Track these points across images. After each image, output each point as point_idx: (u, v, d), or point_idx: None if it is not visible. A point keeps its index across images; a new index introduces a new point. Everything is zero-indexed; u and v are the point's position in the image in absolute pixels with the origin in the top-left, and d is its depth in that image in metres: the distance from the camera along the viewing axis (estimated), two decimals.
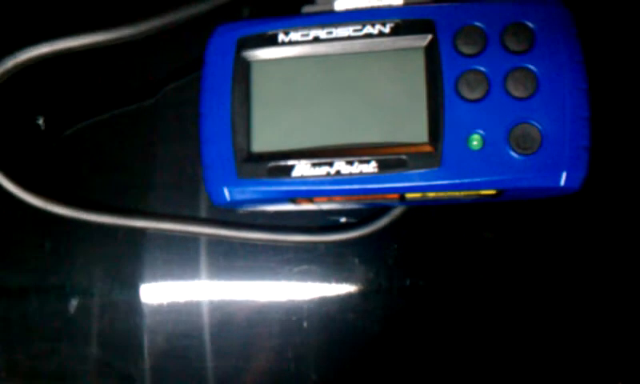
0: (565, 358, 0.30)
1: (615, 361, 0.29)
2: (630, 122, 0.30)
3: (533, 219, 0.30)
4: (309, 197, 0.26)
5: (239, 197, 0.26)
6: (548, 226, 0.30)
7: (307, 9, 0.27)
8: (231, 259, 0.32)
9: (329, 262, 0.31)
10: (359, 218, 0.30)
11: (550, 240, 0.30)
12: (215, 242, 0.32)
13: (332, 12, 0.27)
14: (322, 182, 0.25)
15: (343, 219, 0.31)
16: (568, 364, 0.30)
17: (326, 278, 0.31)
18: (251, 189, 0.26)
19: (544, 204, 0.27)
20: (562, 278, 0.30)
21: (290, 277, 0.31)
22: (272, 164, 0.26)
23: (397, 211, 0.30)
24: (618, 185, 0.30)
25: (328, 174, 0.25)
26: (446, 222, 0.31)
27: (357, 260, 0.31)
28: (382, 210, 0.30)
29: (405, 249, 0.31)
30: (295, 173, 0.26)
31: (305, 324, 0.31)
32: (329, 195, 0.26)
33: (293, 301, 0.31)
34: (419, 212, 0.30)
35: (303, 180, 0.26)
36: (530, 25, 0.25)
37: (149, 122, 0.33)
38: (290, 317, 0.31)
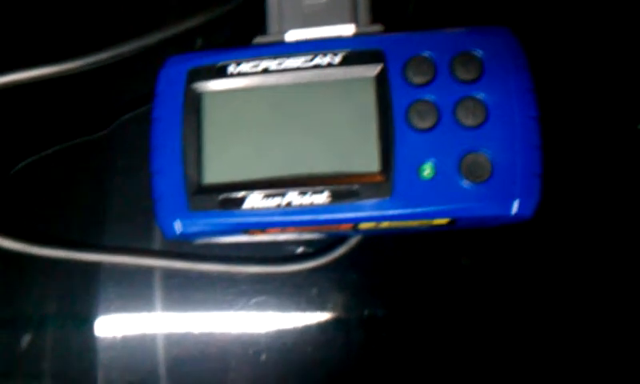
0: None
1: None
2: (583, 148, 0.30)
3: (499, 243, 0.30)
4: (261, 228, 0.26)
5: (191, 229, 0.26)
6: (517, 253, 0.30)
7: (258, 40, 0.27)
8: (186, 292, 0.31)
9: (286, 292, 0.31)
10: (316, 247, 0.30)
11: (522, 267, 0.30)
12: (170, 275, 0.31)
13: (283, 43, 0.27)
14: (273, 214, 0.25)
15: (300, 249, 0.31)
16: None
17: (284, 309, 0.31)
18: (203, 221, 0.26)
19: (513, 229, 0.27)
20: (541, 306, 0.30)
21: (246, 309, 0.31)
22: (223, 196, 0.25)
23: (354, 240, 0.29)
24: (590, 207, 0.30)
25: (280, 205, 0.25)
26: (405, 249, 0.30)
27: (314, 290, 0.31)
28: (340, 239, 0.30)
29: (363, 278, 0.31)
30: (247, 204, 0.25)
31: (263, 357, 0.30)
32: (281, 226, 0.26)
33: (250, 333, 0.31)
34: (374, 240, 0.30)
35: (255, 211, 0.25)
36: (479, 54, 0.25)
37: (101, 154, 0.33)
38: (247, 350, 0.31)
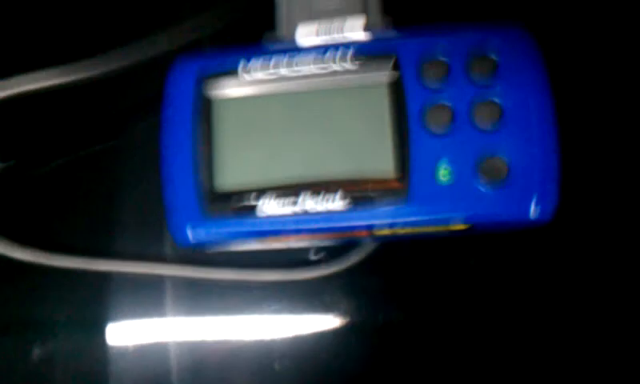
0: None
1: None
2: (602, 146, 0.30)
3: (514, 248, 0.30)
4: (276, 235, 0.26)
5: (204, 237, 0.26)
6: (532, 254, 0.30)
7: (269, 35, 0.27)
8: (199, 298, 0.31)
9: (300, 299, 0.30)
10: (330, 253, 0.30)
11: (536, 269, 0.30)
12: (183, 282, 0.31)
13: (295, 47, 0.26)
14: (288, 220, 0.25)
15: (314, 256, 0.30)
16: None
17: (297, 316, 0.30)
18: (216, 229, 0.25)
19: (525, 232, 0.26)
20: (551, 307, 0.30)
21: (260, 316, 0.31)
22: (237, 203, 0.25)
23: (369, 247, 0.29)
24: (601, 210, 0.30)
25: (295, 211, 0.25)
26: (419, 253, 0.30)
27: (328, 298, 0.30)
28: (354, 245, 0.29)
29: (377, 284, 0.30)
30: (261, 211, 0.25)
31: (276, 364, 0.30)
32: (296, 233, 0.25)
33: (264, 341, 0.30)
34: (392, 245, 0.29)
35: (269, 218, 0.25)
36: (494, 55, 0.25)
37: (113, 162, 0.33)
38: (261, 357, 0.30)
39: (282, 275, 0.30)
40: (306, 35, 0.27)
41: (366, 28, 0.26)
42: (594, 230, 0.30)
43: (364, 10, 0.27)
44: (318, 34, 0.27)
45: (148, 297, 0.31)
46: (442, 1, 0.31)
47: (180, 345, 0.31)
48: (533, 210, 0.24)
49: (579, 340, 0.29)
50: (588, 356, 0.29)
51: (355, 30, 0.26)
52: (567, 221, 0.28)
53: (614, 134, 0.30)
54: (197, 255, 0.30)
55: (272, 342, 0.30)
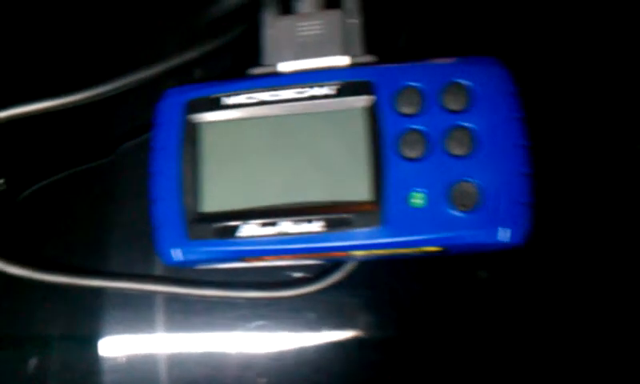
0: None
1: None
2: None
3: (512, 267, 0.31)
4: (256, 256, 0.26)
5: (188, 257, 0.27)
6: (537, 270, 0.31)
7: (253, 71, 0.28)
8: (188, 315, 0.32)
9: (284, 317, 0.31)
10: (314, 272, 0.31)
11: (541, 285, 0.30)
12: (172, 299, 0.32)
13: (277, 74, 0.27)
14: (268, 242, 0.26)
15: (298, 274, 0.31)
16: None
17: (282, 333, 0.31)
18: (199, 249, 0.26)
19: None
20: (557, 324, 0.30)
21: (246, 332, 0.31)
22: (219, 224, 0.26)
23: (350, 266, 0.30)
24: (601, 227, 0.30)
25: (274, 233, 0.26)
26: (399, 274, 0.31)
27: (312, 315, 0.31)
28: (337, 264, 0.30)
29: (361, 301, 0.31)
30: (242, 233, 0.26)
31: (262, 380, 0.31)
32: (275, 254, 0.26)
33: (249, 356, 0.31)
34: (374, 264, 0.30)
35: (250, 240, 0.26)
36: (468, 84, 0.26)
37: (106, 181, 0.34)
38: (246, 373, 0.31)
39: (266, 293, 0.30)
40: (289, 68, 0.28)
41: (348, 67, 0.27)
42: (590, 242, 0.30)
43: (346, 50, 0.27)
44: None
45: (139, 312, 0.32)
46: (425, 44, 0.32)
47: (170, 358, 0.32)
48: (502, 235, 0.24)
49: (578, 348, 0.30)
50: (592, 365, 0.30)
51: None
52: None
53: (585, 158, 0.31)
54: (186, 272, 0.31)
55: (258, 357, 0.31)
